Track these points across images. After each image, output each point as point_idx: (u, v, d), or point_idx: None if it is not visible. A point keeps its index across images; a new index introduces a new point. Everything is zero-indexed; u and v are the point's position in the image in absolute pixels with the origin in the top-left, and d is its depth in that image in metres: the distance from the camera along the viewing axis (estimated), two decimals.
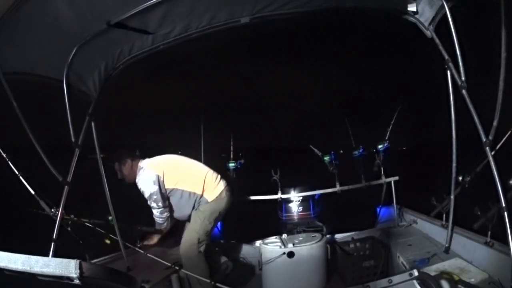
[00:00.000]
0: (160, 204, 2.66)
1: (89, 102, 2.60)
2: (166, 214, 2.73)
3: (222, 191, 2.75)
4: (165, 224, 2.77)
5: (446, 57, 2.09)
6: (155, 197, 2.63)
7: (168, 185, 2.69)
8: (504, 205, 1.67)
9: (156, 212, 2.71)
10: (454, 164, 2.33)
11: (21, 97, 1.98)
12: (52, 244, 2.05)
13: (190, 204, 2.72)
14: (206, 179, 2.76)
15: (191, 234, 2.62)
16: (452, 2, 1.94)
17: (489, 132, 1.81)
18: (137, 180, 2.72)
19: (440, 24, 2.11)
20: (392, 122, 3.72)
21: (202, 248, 2.60)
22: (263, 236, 3.02)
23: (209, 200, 2.70)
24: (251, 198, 3.66)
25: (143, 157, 2.86)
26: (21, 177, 2.05)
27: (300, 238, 2.88)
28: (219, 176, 2.86)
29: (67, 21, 1.92)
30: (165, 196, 2.71)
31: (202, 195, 2.71)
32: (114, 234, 2.67)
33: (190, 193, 2.71)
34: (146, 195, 2.65)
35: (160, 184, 2.65)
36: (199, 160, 3.05)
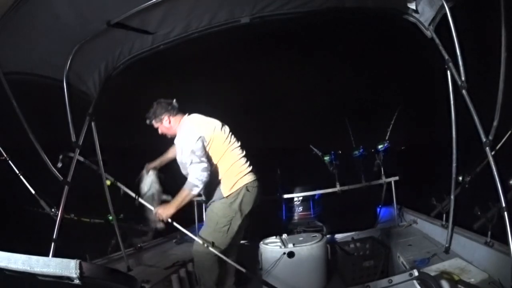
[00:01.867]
0: (203, 159, 2.25)
1: (89, 102, 2.60)
2: (207, 174, 2.24)
3: (242, 186, 2.36)
4: (199, 189, 2.27)
5: (446, 57, 2.09)
6: (198, 153, 2.24)
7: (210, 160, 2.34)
8: (504, 205, 1.67)
9: (195, 168, 2.23)
10: (454, 164, 2.33)
11: (21, 97, 1.98)
12: (52, 244, 2.05)
13: (213, 188, 2.39)
14: (234, 165, 2.39)
15: (205, 236, 2.37)
16: (452, 2, 1.94)
17: (489, 132, 1.81)
18: (179, 137, 2.40)
19: (440, 24, 2.11)
20: (392, 122, 3.72)
21: (215, 251, 2.31)
22: (263, 236, 3.02)
23: (224, 194, 2.35)
24: None
25: (183, 110, 2.50)
26: (21, 177, 2.05)
27: (300, 238, 2.88)
28: (248, 168, 2.45)
29: (67, 21, 1.92)
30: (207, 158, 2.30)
31: (220, 184, 2.37)
32: (114, 234, 2.68)
33: (217, 175, 2.37)
34: (187, 151, 2.27)
35: (204, 145, 2.30)
36: None
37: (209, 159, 2.32)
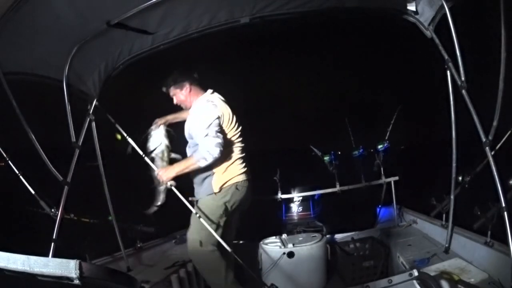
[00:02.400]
0: (219, 134, 2.15)
1: (89, 102, 2.60)
2: (219, 151, 2.12)
3: (232, 184, 2.28)
4: (207, 163, 2.15)
5: (446, 57, 2.09)
6: (215, 128, 2.15)
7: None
8: (504, 205, 1.67)
9: (209, 142, 2.12)
10: (454, 164, 2.33)
11: (21, 97, 1.98)
12: (52, 244, 2.05)
13: (205, 177, 2.28)
14: (232, 162, 2.29)
15: (193, 235, 2.27)
16: (452, 2, 1.94)
17: (489, 132, 1.82)
18: (195, 108, 2.29)
19: (440, 24, 2.11)
20: (392, 122, 3.73)
21: (209, 248, 2.23)
22: (263, 236, 3.02)
23: (215, 189, 2.25)
24: None
25: (201, 87, 2.42)
26: (21, 177, 2.05)
27: (300, 238, 2.88)
28: (244, 169, 2.36)
29: (67, 21, 1.92)
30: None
31: (212, 177, 2.27)
32: (114, 234, 2.68)
33: (214, 166, 2.24)
34: (203, 124, 2.16)
35: (220, 125, 2.22)
36: None
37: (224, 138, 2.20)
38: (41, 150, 2.06)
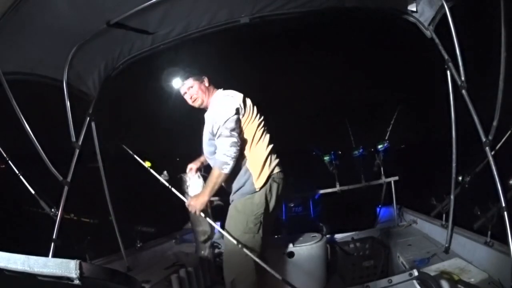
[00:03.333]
0: (233, 133, 2.00)
1: (89, 102, 2.61)
2: (236, 150, 1.99)
3: (270, 178, 2.12)
4: (230, 166, 2.00)
5: (446, 57, 2.09)
6: (230, 124, 2.00)
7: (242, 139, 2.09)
8: (504, 205, 1.67)
9: (223, 143, 1.99)
10: (454, 164, 2.33)
11: (21, 97, 1.98)
12: (52, 244, 2.05)
13: (240, 182, 2.11)
14: (264, 154, 2.12)
15: (235, 246, 2.02)
16: (452, 2, 1.94)
17: (489, 132, 1.82)
18: (212, 108, 2.15)
19: (440, 24, 2.11)
20: (392, 122, 3.73)
21: (251, 260, 2.01)
22: None
23: (252, 187, 2.08)
24: None
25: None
26: (21, 177, 2.05)
27: (300, 238, 2.88)
28: (277, 159, 2.21)
29: (67, 21, 1.92)
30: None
31: (244, 175, 2.10)
32: (114, 234, 2.68)
33: (245, 162, 2.10)
34: (220, 120, 2.02)
35: (239, 118, 2.07)
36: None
37: (241, 138, 2.07)
38: (41, 150, 2.06)
